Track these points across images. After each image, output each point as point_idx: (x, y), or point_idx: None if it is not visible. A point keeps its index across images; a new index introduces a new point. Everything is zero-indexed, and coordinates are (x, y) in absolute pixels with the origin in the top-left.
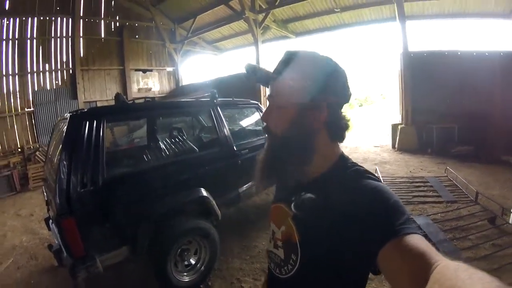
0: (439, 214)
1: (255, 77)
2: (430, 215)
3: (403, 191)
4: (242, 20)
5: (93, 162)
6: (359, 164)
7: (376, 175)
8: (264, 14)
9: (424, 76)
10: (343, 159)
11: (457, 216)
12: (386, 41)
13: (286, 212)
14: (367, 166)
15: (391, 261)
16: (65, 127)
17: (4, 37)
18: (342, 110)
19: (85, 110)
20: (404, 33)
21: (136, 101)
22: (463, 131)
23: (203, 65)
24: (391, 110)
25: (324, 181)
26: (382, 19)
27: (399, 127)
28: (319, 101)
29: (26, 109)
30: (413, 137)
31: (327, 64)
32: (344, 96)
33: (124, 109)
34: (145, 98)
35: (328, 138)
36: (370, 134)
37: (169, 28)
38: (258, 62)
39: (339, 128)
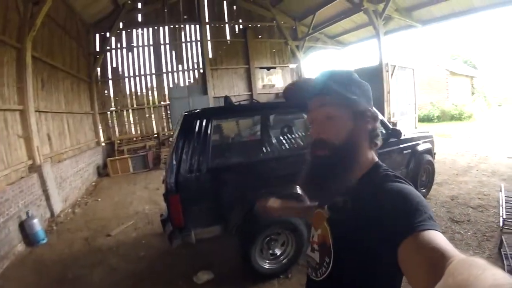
0: None
1: (306, 91)
2: None
3: None
4: (362, 12)
5: (199, 153)
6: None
7: (501, 193)
8: (384, 3)
9: None
10: (377, 166)
11: None
12: None
13: (323, 216)
14: (494, 181)
15: (408, 255)
16: (180, 122)
17: (141, 44)
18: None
19: (198, 110)
20: None
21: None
22: None
23: (326, 60)
24: None
25: (357, 186)
26: None
27: None
28: (367, 111)
29: (162, 102)
30: None
31: (361, 80)
32: (372, 107)
33: (230, 110)
34: (252, 99)
35: (367, 146)
36: (506, 142)
37: (290, 26)
38: (380, 55)
39: (376, 136)
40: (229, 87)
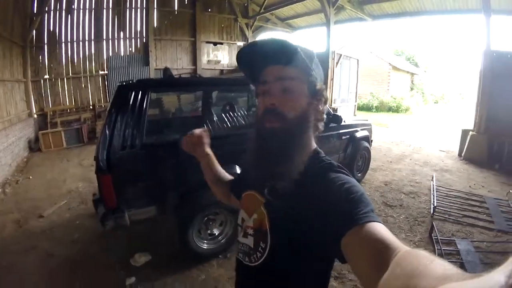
0: (484, 243)
1: (260, 57)
2: (474, 241)
3: (455, 208)
4: None
5: (133, 128)
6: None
7: (432, 183)
8: None
9: (505, 80)
10: (317, 152)
11: (504, 250)
12: (472, 35)
13: (258, 200)
14: (426, 171)
15: (352, 245)
16: (114, 95)
17: (82, 7)
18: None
19: (133, 81)
20: (488, 29)
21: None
22: None
23: None
24: (466, 113)
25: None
26: (467, 10)
27: (470, 133)
28: (321, 89)
29: (100, 72)
30: (482, 147)
31: (316, 59)
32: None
33: (169, 83)
34: (194, 74)
35: (314, 128)
36: (439, 136)
37: (242, 3)
38: (328, 42)
39: (321, 120)
40: (172, 59)
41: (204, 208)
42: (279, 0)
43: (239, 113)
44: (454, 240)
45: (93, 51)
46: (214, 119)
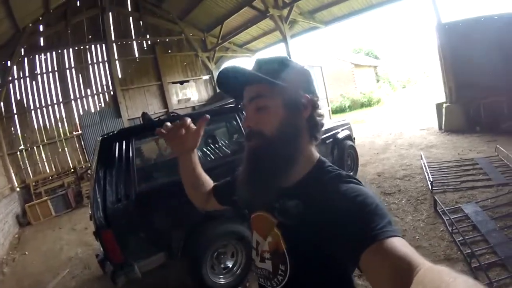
0: (489, 200)
1: (233, 81)
2: (479, 201)
3: (451, 177)
4: (268, 18)
5: (124, 179)
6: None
7: (422, 161)
8: (288, 8)
9: (463, 47)
10: (322, 162)
11: (509, 201)
12: (423, 15)
13: (270, 221)
14: (413, 152)
15: (372, 265)
16: (97, 149)
17: (44, 70)
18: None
19: (115, 132)
20: (435, 4)
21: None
22: None
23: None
24: (436, 89)
25: (305, 185)
26: None
27: (444, 106)
28: (301, 98)
29: (74, 133)
30: (459, 115)
31: (296, 65)
32: (316, 94)
33: (150, 127)
34: (169, 112)
35: (308, 137)
36: (416, 117)
37: (199, 38)
38: (289, 57)
39: (314, 125)
40: (143, 106)
41: (212, 243)
42: (234, 27)
43: (221, 143)
44: (460, 206)
45: (63, 113)
46: (204, 152)
